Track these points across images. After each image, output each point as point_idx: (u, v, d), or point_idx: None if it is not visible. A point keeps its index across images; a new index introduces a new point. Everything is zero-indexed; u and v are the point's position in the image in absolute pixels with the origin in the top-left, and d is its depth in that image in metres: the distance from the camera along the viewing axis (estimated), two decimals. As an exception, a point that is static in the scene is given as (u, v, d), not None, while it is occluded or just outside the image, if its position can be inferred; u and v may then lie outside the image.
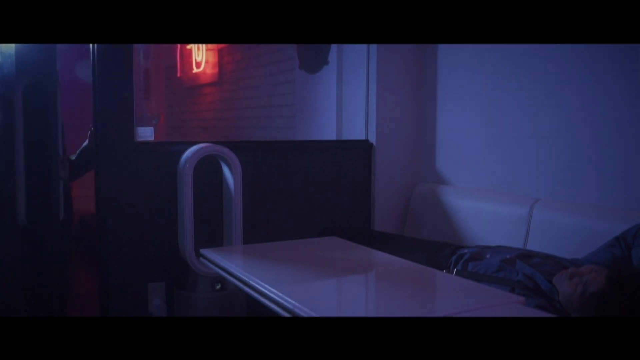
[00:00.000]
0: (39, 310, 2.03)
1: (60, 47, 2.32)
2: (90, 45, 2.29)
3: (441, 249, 2.13)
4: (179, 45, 5.70)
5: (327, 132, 3.27)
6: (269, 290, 1.31)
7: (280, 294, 1.27)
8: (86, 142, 2.58)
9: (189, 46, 5.51)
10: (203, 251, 1.74)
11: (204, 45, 5.24)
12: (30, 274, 2.01)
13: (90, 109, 2.33)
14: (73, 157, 2.59)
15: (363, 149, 2.85)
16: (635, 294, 1.44)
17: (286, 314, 1.23)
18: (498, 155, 2.46)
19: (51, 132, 1.99)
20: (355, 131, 2.95)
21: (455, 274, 1.93)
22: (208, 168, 2.39)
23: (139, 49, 5.12)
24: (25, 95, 2.00)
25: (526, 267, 1.79)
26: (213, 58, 5.28)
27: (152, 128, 2.59)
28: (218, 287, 2.31)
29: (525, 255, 1.88)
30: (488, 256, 1.93)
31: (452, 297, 1.41)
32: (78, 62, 2.91)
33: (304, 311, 1.18)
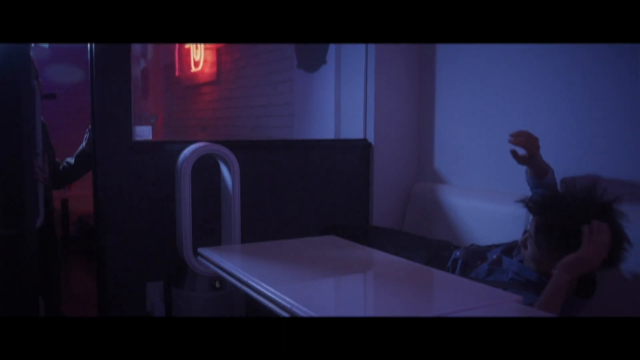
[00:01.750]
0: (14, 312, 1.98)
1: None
2: (88, 44, 2.29)
3: (440, 250, 2.13)
4: (177, 45, 5.69)
5: (326, 131, 3.26)
6: (268, 290, 1.31)
7: (278, 294, 1.27)
8: (82, 145, 2.56)
9: (187, 45, 5.50)
10: (201, 250, 1.74)
11: (202, 44, 5.23)
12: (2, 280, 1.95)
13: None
14: (71, 160, 2.58)
15: (361, 148, 2.84)
16: (558, 207, 1.66)
17: (285, 314, 1.22)
18: (496, 154, 2.45)
19: (23, 134, 1.91)
20: (354, 130, 2.95)
21: None
22: (206, 167, 2.39)
23: (137, 48, 5.12)
24: None
25: (513, 263, 1.82)
26: (211, 57, 5.28)
27: (150, 127, 2.59)
28: (217, 285, 2.30)
29: (509, 249, 1.90)
30: (478, 263, 1.95)
31: (451, 296, 1.41)
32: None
33: (303, 311, 1.17)
